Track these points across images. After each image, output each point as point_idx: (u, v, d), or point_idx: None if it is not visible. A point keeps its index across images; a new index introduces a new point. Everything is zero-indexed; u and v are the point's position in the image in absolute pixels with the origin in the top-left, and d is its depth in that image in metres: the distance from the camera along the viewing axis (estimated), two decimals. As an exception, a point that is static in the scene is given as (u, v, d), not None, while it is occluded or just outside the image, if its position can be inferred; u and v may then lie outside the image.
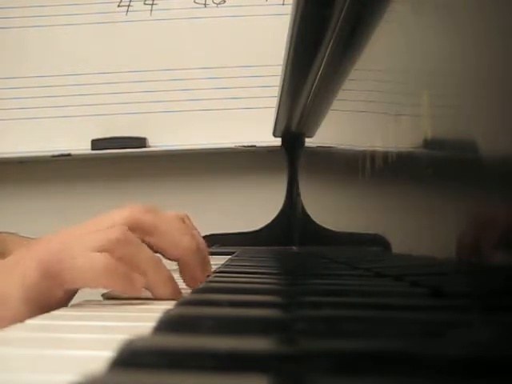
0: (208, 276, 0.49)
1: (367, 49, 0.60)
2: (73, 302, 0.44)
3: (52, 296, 0.42)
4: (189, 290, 0.46)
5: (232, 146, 1.56)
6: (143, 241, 0.45)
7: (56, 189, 1.59)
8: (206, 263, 0.51)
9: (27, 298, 0.41)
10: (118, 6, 1.63)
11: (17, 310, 0.41)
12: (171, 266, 0.47)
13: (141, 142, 1.54)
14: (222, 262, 0.77)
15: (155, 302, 0.43)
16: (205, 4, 1.62)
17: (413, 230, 0.45)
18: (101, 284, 0.41)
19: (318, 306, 0.31)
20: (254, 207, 1.53)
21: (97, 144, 1.54)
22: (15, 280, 0.41)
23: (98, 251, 0.41)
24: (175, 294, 0.45)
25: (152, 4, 1.63)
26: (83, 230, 0.45)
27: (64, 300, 0.44)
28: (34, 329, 0.31)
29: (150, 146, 1.55)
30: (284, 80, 0.94)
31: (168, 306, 0.32)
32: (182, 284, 0.49)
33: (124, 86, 1.59)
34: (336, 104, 0.80)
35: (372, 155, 0.56)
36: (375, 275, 0.53)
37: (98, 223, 0.45)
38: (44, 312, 0.40)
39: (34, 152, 1.58)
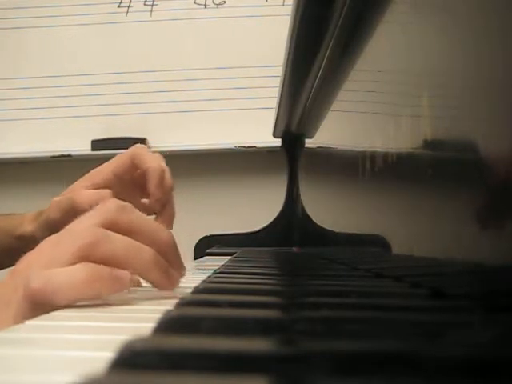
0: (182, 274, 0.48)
1: (367, 49, 0.60)
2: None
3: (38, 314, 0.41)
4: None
5: (232, 146, 1.56)
6: None
7: (56, 189, 1.59)
8: (179, 259, 0.49)
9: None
10: (118, 6, 1.63)
11: None
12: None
13: (141, 142, 1.54)
14: (222, 263, 0.77)
15: (154, 302, 0.43)
16: (205, 5, 1.62)
17: (413, 230, 0.45)
18: (89, 294, 0.40)
19: (318, 306, 0.31)
20: (254, 208, 1.53)
21: (97, 144, 1.54)
22: (6, 320, 0.40)
23: (76, 261, 0.41)
24: (165, 273, 0.44)
25: (152, 5, 1.63)
26: (57, 242, 0.44)
27: None
28: (33, 329, 0.31)
29: (149, 147, 1.55)
30: (284, 81, 0.94)
31: (168, 306, 0.32)
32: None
33: (124, 86, 1.59)
34: (336, 105, 0.80)
35: (372, 156, 0.56)
36: (375, 276, 0.53)
37: (71, 232, 0.44)
38: None
39: (34, 152, 1.58)
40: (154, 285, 0.45)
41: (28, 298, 0.39)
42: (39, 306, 0.39)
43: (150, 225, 0.47)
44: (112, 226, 0.44)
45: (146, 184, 0.69)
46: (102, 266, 0.41)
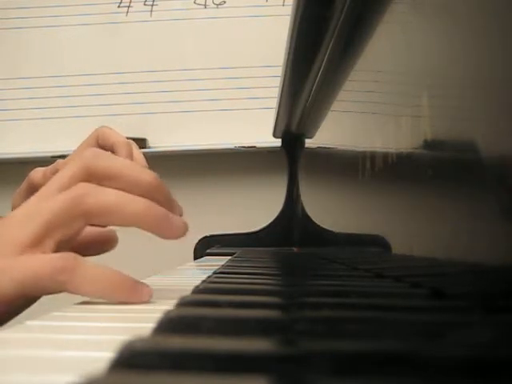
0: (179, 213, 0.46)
1: (367, 50, 0.60)
2: (70, 303, 0.43)
3: (44, 292, 0.41)
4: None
5: (232, 146, 1.56)
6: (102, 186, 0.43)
7: (56, 189, 1.59)
8: (172, 199, 0.46)
9: (23, 284, 0.40)
10: (118, 6, 1.63)
11: (4, 288, 0.40)
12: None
13: (141, 142, 1.54)
14: (222, 263, 0.77)
15: (154, 302, 0.43)
16: (205, 5, 1.62)
17: (413, 230, 0.45)
18: (110, 297, 0.40)
19: (318, 306, 0.31)
20: (254, 208, 1.53)
21: (97, 145, 1.54)
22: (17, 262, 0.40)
23: (68, 212, 0.41)
24: (164, 219, 0.42)
25: (152, 5, 1.63)
26: (42, 196, 0.43)
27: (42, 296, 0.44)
28: (33, 330, 0.31)
29: (150, 147, 1.55)
30: (284, 81, 0.94)
31: (168, 306, 0.32)
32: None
33: (124, 86, 1.59)
34: (336, 105, 0.80)
35: (372, 156, 0.56)
36: (375, 276, 0.53)
37: (54, 184, 0.43)
38: (25, 300, 0.40)
39: (34, 152, 1.58)
40: (155, 233, 0.43)
41: (54, 271, 0.39)
42: (58, 281, 0.39)
43: (130, 168, 0.45)
44: (91, 174, 0.43)
45: None
46: (127, 276, 0.41)
